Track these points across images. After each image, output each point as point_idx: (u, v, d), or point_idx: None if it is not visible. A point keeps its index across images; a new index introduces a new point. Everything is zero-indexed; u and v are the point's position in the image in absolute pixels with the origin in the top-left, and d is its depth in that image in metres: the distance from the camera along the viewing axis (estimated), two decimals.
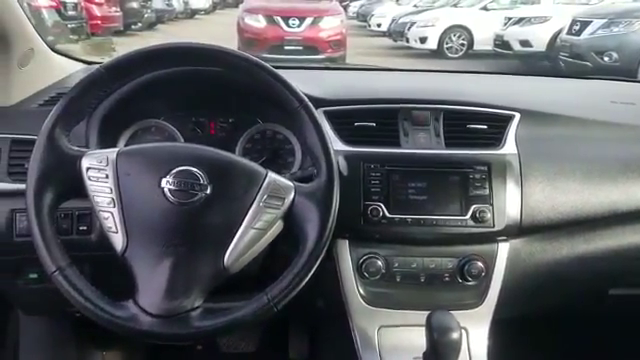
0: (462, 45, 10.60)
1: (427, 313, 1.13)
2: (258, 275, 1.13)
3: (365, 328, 1.23)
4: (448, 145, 1.24)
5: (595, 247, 1.29)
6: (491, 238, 1.22)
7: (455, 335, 1.04)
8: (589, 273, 1.33)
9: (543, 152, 1.26)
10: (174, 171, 0.91)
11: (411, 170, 1.20)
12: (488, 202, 1.19)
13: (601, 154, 1.29)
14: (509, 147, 1.24)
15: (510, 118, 1.28)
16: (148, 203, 0.90)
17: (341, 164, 1.18)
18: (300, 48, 8.28)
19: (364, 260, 1.20)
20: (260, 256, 1.00)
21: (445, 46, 10.58)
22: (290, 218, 0.96)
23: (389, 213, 1.17)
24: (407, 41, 11.32)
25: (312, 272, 0.92)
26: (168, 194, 0.90)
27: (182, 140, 1.30)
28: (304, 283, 0.92)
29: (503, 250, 1.23)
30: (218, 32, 10.16)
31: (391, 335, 1.23)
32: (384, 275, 1.20)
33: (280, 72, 1.01)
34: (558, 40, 7.89)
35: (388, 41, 13.13)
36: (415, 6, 14.23)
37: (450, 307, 1.20)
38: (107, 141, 1.20)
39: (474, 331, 1.23)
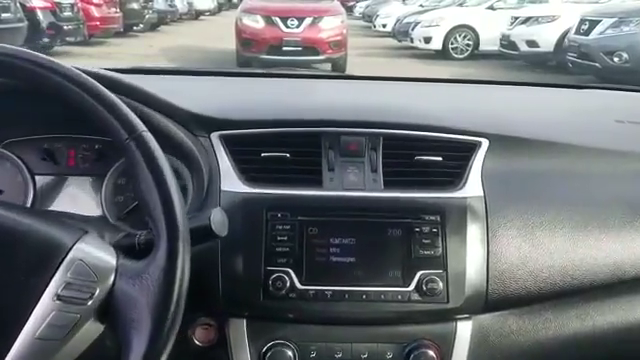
0: (467, 45, 10.35)
1: None
2: None
3: None
4: (388, 185, 0.90)
5: (592, 325, 0.94)
6: (447, 316, 0.88)
7: None
8: (586, 356, 0.98)
9: (519, 194, 0.92)
10: None
11: (334, 221, 0.86)
12: (440, 267, 0.85)
13: (601, 196, 0.95)
14: (472, 187, 0.90)
15: (475, 146, 0.94)
16: None
17: (237, 212, 0.85)
18: (299, 49, 8.11)
19: (268, 349, 0.87)
20: None
21: (450, 46, 10.35)
22: (109, 317, 0.63)
23: (301, 283, 0.84)
24: (411, 41, 11.11)
25: None
26: None
27: (27, 175, 0.96)
28: None
29: (464, 331, 0.89)
30: (222, 33, 9.97)
31: None
32: None
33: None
34: (566, 40, 7.68)
35: (393, 41, 12.88)
36: (421, 6, 13.95)
37: None
38: None
39: None
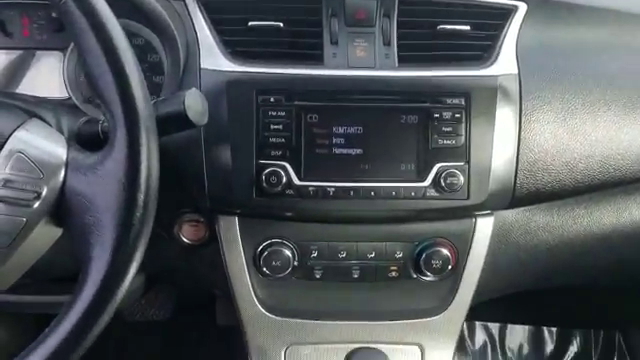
0: None
1: (362, 325, 0.77)
2: None
3: (266, 348, 0.83)
4: (403, 61, 0.75)
5: (630, 220, 0.84)
6: (465, 212, 0.77)
7: None
8: (618, 254, 0.89)
9: (559, 71, 0.76)
10: None
11: (338, 106, 0.72)
12: (462, 159, 0.72)
13: None
14: (505, 63, 0.75)
15: (510, 13, 0.78)
16: None
17: (222, 95, 0.71)
18: None
19: (264, 248, 0.77)
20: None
21: None
22: (64, 220, 0.54)
23: (299, 179, 0.72)
24: None
25: (91, 338, 0.51)
26: None
27: None
28: (76, 359, 0.51)
29: (484, 228, 0.79)
30: None
31: (306, 359, 0.83)
32: (296, 270, 0.78)
33: None
34: None
35: None
36: None
37: (399, 315, 0.81)
38: None
39: (433, 353, 0.83)
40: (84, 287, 0.49)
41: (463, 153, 0.72)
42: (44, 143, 0.54)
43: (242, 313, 0.81)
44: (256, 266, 0.78)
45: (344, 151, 0.72)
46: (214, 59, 0.73)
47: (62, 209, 0.53)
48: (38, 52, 0.86)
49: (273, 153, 0.72)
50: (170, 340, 1.38)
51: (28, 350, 0.50)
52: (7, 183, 0.51)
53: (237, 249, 0.78)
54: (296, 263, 0.78)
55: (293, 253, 0.77)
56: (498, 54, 0.75)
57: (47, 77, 0.85)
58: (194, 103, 0.60)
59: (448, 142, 0.72)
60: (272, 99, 0.72)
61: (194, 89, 0.61)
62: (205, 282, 0.87)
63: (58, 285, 0.88)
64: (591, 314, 1.37)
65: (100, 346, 0.52)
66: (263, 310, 0.81)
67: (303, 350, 0.82)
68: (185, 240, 0.80)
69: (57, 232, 0.56)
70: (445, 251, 0.78)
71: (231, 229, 0.77)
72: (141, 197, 0.50)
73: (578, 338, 1.42)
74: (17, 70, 0.87)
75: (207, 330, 1.34)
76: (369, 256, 0.78)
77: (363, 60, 0.75)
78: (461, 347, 1.41)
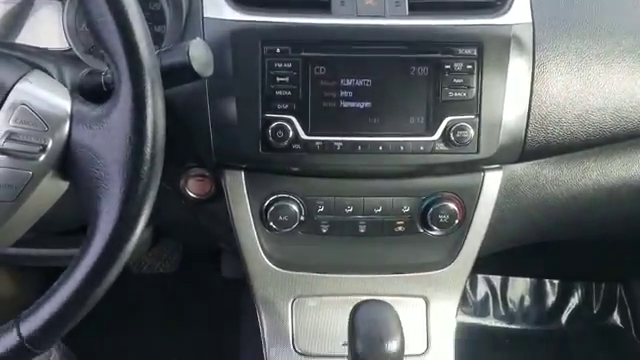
0: None
1: (368, 278, 0.77)
2: None
3: (273, 300, 0.84)
4: (414, 9, 0.72)
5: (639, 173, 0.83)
6: (474, 167, 0.76)
7: (392, 347, 0.65)
8: (626, 208, 0.88)
9: (574, 20, 0.74)
10: None
11: (346, 57, 0.70)
12: (472, 112, 0.71)
13: None
14: (519, 11, 0.72)
15: None
16: None
17: (226, 46, 0.69)
18: None
19: (270, 203, 0.77)
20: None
21: None
22: (70, 173, 0.53)
23: (306, 133, 0.71)
24: None
25: (100, 292, 0.51)
26: None
27: None
28: (85, 312, 0.51)
29: (492, 182, 0.78)
30: None
31: (312, 310, 0.84)
32: (303, 224, 0.78)
33: None
34: None
35: None
36: None
37: (404, 268, 0.82)
38: None
39: (439, 304, 0.84)
40: (93, 241, 0.49)
41: (474, 106, 0.71)
42: (48, 95, 0.53)
43: (249, 267, 0.81)
44: (262, 221, 0.78)
45: (352, 104, 0.71)
46: (217, 7, 0.71)
47: (68, 162, 0.52)
48: (37, 1, 0.83)
49: (279, 107, 0.70)
50: (176, 292, 1.40)
51: (37, 304, 0.50)
52: (12, 135, 0.50)
53: (243, 204, 0.77)
54: (302, 218, 0.77)
55: (300, 208, 0.77)
56: (512, 2, 0.72)
57: (46, 27, 0.83)
58: (198, 54, 0.58)
59: (459, 94, 0.70)
60: (278, 50, 0.69)
61: (198, 39, 0.59)
62: (212, 236, 0.87)
63: (62, 238, 0.88)
64: (593, 267, 1.38)
65: (106, 298, 0.52)
66: (270, 264, 0.81)
67: (309, 302, 0.83)
68: (191, 194, 0.80)
69: (63, 186, 0.55)
70: (452, 206, 0.77)
71: (237, 184, 0.77)
72: (148, 150, 0.49)
73: (580, 290, 1.44)
74: (16, 20, 0.84)
75: (212, 282, 1.36)
76: (376, 211, 0.78)
77: (372, 8, 0.72)
78: (463, 298, 1.43)
